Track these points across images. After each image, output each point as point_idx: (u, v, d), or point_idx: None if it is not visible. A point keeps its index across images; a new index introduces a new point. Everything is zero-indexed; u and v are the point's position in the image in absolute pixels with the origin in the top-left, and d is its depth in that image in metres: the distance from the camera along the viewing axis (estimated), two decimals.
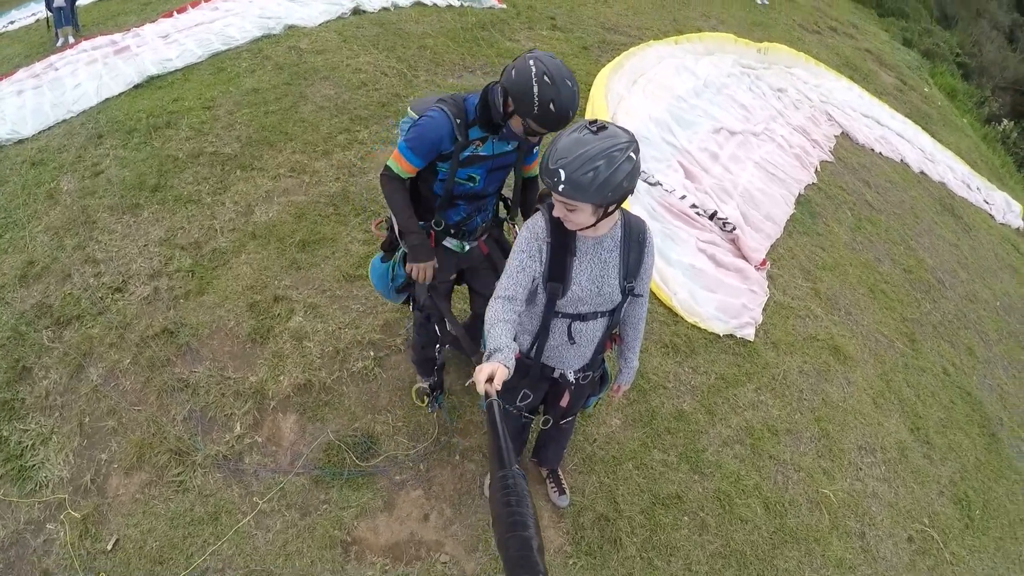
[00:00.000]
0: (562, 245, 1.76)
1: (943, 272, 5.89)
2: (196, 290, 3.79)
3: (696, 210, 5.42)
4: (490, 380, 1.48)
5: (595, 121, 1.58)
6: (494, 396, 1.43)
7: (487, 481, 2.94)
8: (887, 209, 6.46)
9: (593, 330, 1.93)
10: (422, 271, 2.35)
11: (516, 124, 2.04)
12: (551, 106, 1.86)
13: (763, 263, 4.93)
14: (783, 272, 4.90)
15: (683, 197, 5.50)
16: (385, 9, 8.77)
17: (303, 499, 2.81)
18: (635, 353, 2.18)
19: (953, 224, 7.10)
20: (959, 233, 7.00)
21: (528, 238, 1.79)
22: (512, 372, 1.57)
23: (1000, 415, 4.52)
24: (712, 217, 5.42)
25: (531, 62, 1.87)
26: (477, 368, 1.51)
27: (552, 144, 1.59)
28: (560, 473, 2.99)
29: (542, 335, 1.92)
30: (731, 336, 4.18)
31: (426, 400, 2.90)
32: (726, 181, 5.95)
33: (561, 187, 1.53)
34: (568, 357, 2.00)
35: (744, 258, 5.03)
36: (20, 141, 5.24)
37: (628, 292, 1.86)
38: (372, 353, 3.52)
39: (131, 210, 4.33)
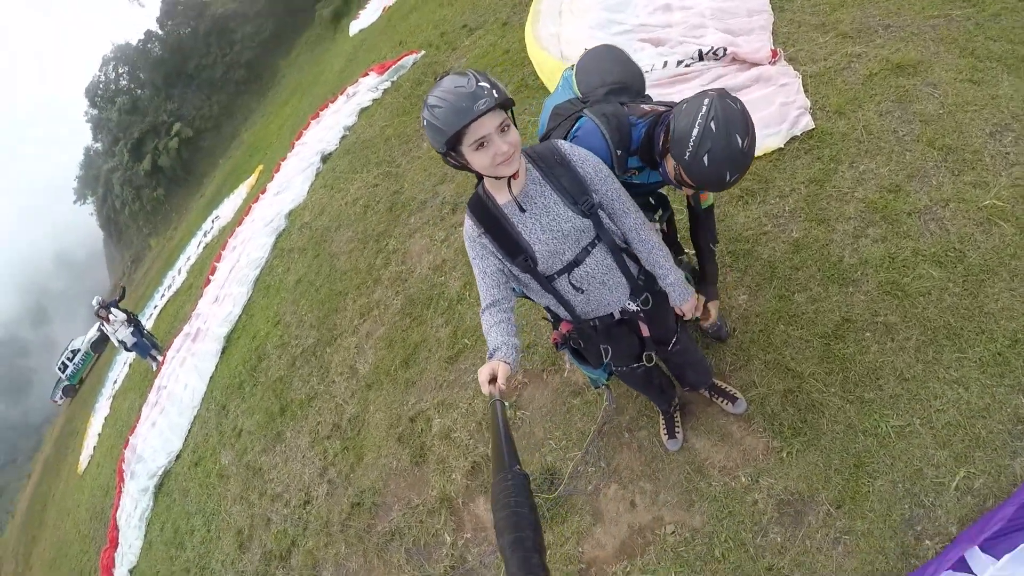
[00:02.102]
0: (495, 224, 1.73)
1: None
2: (356, 460, 4.16)
3: (684, 64, 5.05)
4: (493, 380, 1.48)
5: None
6: (497, 396, 1.43)
7: (662, 429, 2.86)
8: None
9: (596, 265, 1.82)
10: None
11: (669, 166, 1.82)
12: (705, 158, 1.60)
13: (774, 54, 4.45)
14: (800, 44, 4.39)
15: (665, 65, 5.17)
16: (343, 137, 9.37)
17: None
18: (664, 267, 1.93)
19: None
20: None
21: (469, 244, 1.79)
22: (513, 368, 1.55)
23: None
24: (702, 58, 5.02)
25: (706, 100, 1.62)
26: (479, 370, 1.51)
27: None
28: (720, 383, 2.83)
29: (561, 301, 1.88)
30: (794, 139, 3.79)
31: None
32: (692, 17, 5.52)
33: (483, 102, 1.46)
34: (604, 297, 1.91)
35: (755, 64, 4.58)
36: (178, 456, 6.18)
37: (591, 209, 1.76)
38: (506, 404, 3.61)
39: (277, 440, 4.91)
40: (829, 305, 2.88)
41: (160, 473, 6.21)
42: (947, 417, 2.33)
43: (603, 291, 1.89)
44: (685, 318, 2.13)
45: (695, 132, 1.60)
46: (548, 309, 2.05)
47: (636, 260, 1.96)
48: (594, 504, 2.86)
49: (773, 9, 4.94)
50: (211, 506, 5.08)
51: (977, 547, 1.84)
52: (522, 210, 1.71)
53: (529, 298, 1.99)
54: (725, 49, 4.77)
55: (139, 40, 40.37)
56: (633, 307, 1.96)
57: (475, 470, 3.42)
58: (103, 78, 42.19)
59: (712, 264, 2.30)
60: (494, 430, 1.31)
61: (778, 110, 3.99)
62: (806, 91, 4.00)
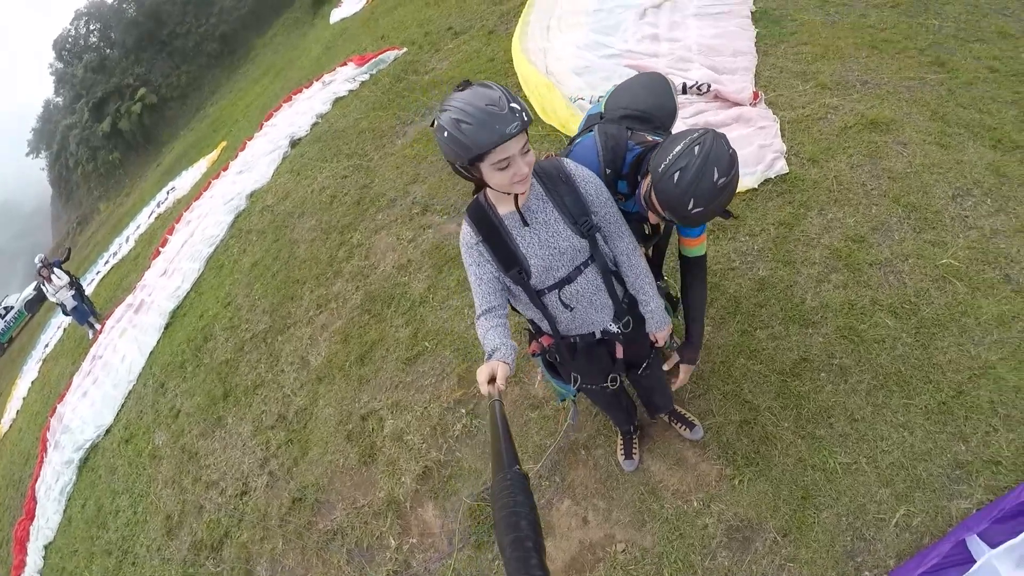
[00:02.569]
0: (494, 233, 1.72)
1: None
2: (300, 453, 4.02)
3: None
4: (492, 381, 1.46)
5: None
6: (496, 396, 1.41)
7: (619, 449, 2.88)
8: None
9: (587, 284, 1.83)
10: None
11: (644, 185, 1.78)
12: (676, 175, 1.58)
13: (755, 96, 4.61)
14: (780, 90, 4.56)
15: None
16: (315, 124, 9.16)
17: (476, 567, 2.86)
18: (647, 294, 1.95)
19: None
20: None
21: (465, 251, 1.77)
22: (511, 369, 1.53)
23: None
24: (685, 91, 5.15)
25: (701, 131, 1.60)
26: (478, 370, 1.49)
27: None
28: (679, 410, 2.88)
29: (546, 315, 1.87)
30: (767, 180, 3.91)
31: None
32: (678, 50, 5.66)
33: (515, 126, 1.44)
34: (591, 316, 1.92)
35: (736, 104, 4.73)
36: (108, 430, 5.85)
37: (590, 230, 1.77)
38: (463, 411, 3.58)
39: (217, 425, 4.69)
40: (788, 344, 2.98)
41: (87, 447, 5.84)
42: (891, 458, 2.43)
43: (590, 311, 1.90)
44: (658, 345, 2.16)
45: (677, 149, 1.61)
46: (532, 322, 2.05)
47: (622, 283, 1.97)
48: (546, 517, 2.84)
49: (758, 52, 5.13)
50: (140, 487, 4.80)
51: None
52: (526, 224, 1.71)
53: (515, 309, 1.98)
54: (709, 85, 4.91)
55: None
56: (615, 329, 1.98)
57: (426, 475, 3.36)
58: (73, 32, 40.36)
59: (699, 326, 2.17)
60: (493, 430, 1.30)
61: (756, 151, 4.12)
62: (783, 136, 4.15)
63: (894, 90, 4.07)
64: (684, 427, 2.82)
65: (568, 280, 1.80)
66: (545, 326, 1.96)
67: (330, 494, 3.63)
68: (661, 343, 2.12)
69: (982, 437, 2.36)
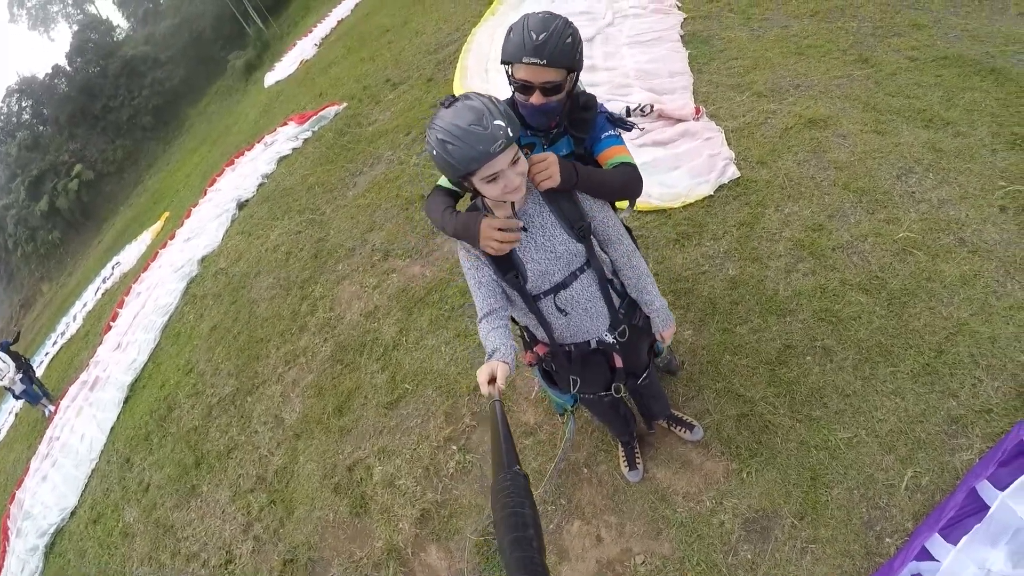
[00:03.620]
0: None
1: None
2: (285, 514, 3.79)
3: None
4: (492, 381, 1.42)
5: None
6: (497, 396, 1.37)
7: (622, 461, 2.83)
8: None
9: (582, 290, 1.82)
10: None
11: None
12: (510, 33, 1.78)
13: (697, 111, 4.82)
14: (719, 103, 4.79)
15: None
16: (261, 185, 9.05)
17: None
18: (650, 294, 1.96)
19: None
20: None
21: (463, 255, 1.75)
22: (512, 369, 1.51)
23: (983, 50, 4.26)
24: (629, 114, 5.33)
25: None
26: (478, 371, 1.46)
27: None
28: (676, 413, 2.87)
29: (541, 321, 1.85)
30: (722, 187, 4.06)
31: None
32: (617, 77, 5.89)
33: (499, 144, 1.47)
34: (585, 324, 1.89)
35: (680, 120, 4.93)
36: (73, 512, 5.44)
37: (584, 234, 1.77)
38: (454, 447, 3.47)
39: (191, 494, 4.40)
40: (770, 334, 3.04)
41: (52, 531, 5.39)
42: (889, 425, 2.48)
43: (585, 318, 1.88)
44: (665, 343, 2.16)
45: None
46: (527, 329, 2.02)
47: (619, 293, 1.97)
48: (558, 542, 2.74)
49: (692, 71, 5.40)
50: (113, 567, 4.41)
51: (937, 534, 1.93)
52: (524, 230, 1.70)
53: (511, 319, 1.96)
54: (652, 106, 5.11)
55: (46, 74, 38.01)
56: (610, 339, 1.96)
57: (425, 518, 3.21)
58: (5, 109, 39.25)
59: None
60: (493, 431, 1.26)
61: (706, 161, 4.29)
62: (729, 144, 4.34)
63: (825, 89, 4.34)
64: (683, 429, 2.81)
65: (564, 285, 1.79)
66: (540, 333, 1.93)
67: (323, 551, 3.42)
68: (667, 341, 2.11)
69: (970, 390, 2.45)
